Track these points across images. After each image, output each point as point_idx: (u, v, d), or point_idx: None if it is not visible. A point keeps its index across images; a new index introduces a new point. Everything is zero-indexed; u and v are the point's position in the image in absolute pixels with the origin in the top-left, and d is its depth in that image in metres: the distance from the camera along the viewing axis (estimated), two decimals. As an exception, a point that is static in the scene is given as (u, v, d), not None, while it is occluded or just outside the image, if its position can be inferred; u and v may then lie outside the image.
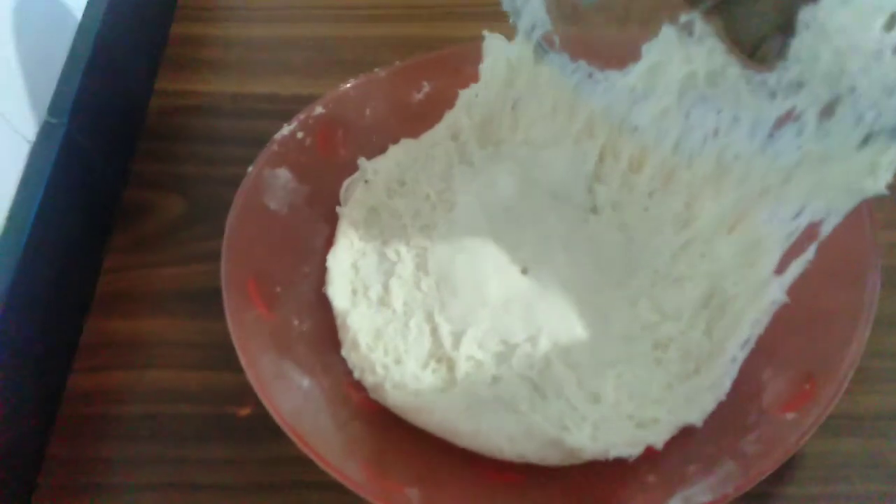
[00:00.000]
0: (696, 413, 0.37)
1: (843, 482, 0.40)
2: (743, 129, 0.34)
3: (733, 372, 0.38)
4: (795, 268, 0.37)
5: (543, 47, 0.41)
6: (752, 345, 0.38)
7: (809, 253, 0.36)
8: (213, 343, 0.44)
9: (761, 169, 0.35)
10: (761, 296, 0.38)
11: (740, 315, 0.38)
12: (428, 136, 0.47)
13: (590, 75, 0.40)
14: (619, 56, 0.39)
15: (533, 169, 0.47)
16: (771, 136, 0.34)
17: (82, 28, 0.49)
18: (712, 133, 0.36)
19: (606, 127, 0.42)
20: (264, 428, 0.40)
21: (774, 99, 0.33)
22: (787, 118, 0.33)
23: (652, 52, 0.36)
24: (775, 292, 0.37)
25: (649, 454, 0.37)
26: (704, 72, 0.34)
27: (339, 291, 0.42)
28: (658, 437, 0.37)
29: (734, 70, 0.33)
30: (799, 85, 0.32)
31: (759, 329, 0.38)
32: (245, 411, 0.42)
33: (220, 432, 0.42)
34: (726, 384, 0.37)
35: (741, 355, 0.38)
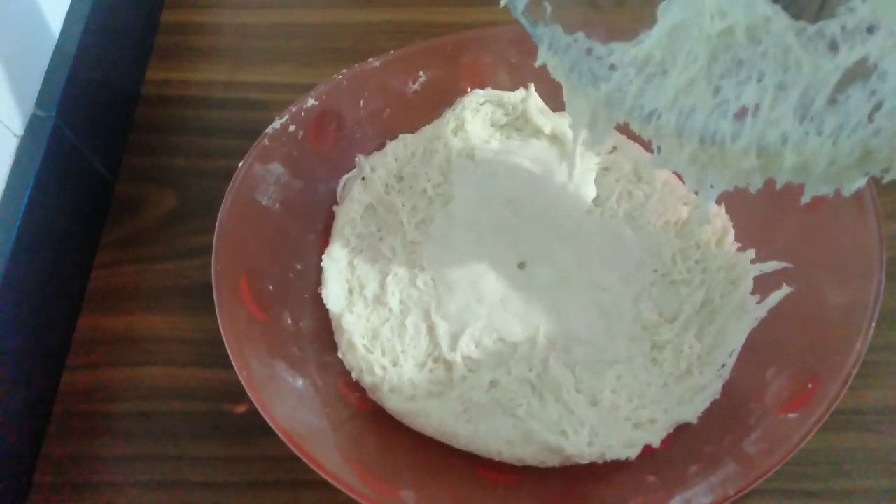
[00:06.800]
0: (690, 411, 0.37)
1: (845, 478, 0.40)
2: (791, 100, 0.26)
3: (725, 374, 0.39)
4: (775, 297, 0.39)
5: (529, 19, 0.32)
6: (738, 353, 0.39)
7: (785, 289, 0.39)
8: (207, 339, 0.44)
9: (823, 149, 0.26)
10: (743, 313, 0.39)
11: (725, 325, 0.40)
12: (427, 131, 0.46)
13: (588, 51, 0.31)
14: (628, 24, 0.29)
15: (535, 160, 0.46)
16: (834, 102, 0.25)
17: (70, 17, 0.48)
18: (752, 110, 0.26)
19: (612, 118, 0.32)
20: (259, 425, 0.40)
21: (837, 52, 0.25)
22: (854, 77, 0.25)
23: (673, 9, 0.28)
24: (756, 311, 0.39)
25: (650, 454, 0.36)
26: (744, 26, 0.26)
27: (333, 293, 0.42)
28: (655, 436, 0.37)
29: (781, 21, 0.26)
30: (870, 29, 0.24)
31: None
32: (239, 409, 0.42)
33: (215, 430, 0.42)
34: (717, 385, 0.38)
35: (729, 362, 0.39)
